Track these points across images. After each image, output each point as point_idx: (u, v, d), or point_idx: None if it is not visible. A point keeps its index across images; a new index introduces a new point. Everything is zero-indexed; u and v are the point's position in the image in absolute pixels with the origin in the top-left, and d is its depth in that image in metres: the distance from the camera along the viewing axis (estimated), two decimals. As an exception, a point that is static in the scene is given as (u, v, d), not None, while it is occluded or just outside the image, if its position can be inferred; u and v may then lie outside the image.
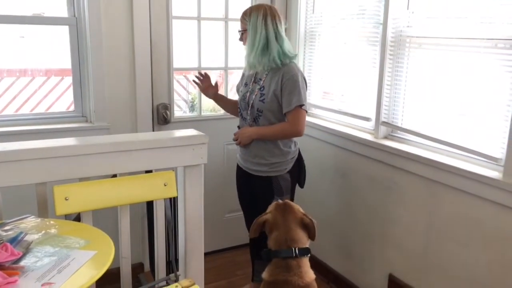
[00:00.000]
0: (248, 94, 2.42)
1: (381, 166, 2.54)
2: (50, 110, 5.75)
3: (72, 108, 2.83)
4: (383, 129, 2.59)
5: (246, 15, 2.36)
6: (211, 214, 3.12)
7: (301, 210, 1.87)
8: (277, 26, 2.32)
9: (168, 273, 2.33)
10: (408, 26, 2.41)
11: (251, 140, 2.40)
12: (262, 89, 2.36)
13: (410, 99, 2.46)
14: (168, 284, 1.92)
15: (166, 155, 2.06)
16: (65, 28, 2.65)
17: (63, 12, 2.66)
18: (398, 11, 2.44)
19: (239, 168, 2.59)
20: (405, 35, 2.42)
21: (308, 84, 3.17)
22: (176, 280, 1.93)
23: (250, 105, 2.40)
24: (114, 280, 2.10)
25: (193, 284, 1.86)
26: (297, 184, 2.53)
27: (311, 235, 1.80)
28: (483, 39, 2.03)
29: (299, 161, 2.50)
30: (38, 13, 2.72)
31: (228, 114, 2.77)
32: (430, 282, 2.33)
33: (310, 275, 1.69)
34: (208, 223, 2.79)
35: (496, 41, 2.01)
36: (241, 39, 2.44)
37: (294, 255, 1.67)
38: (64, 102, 5.94)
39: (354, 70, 2.81)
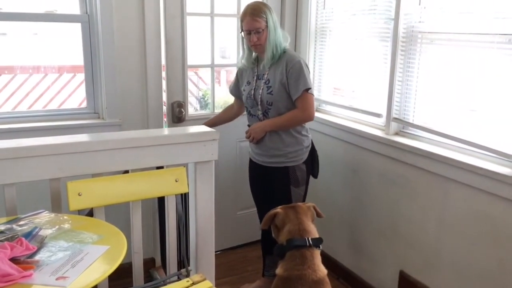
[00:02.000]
0: (253, 91, 2.44)
1: (392, 162, 2.53)
2: (63, 107, 5.81)
3: (84, 104, 2.86)
4: (394, 125, 2.58)
5: (262, 13, 2.33)
6: (223, 211, 3.13)
7: (306, 208, 1.91)
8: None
9: (179, 268, 2.36)
10: (420, 22, 2.39)
11: (264, 133, 2.41)
12: (267, 82, 2.39)
13: (422, 95, 2.44)
14: (179, 279, 1.94)
15: (177, 151, 2.08)
16: (78, 26, 2.67)
17: (76, 10, 2.68)
18: (410, 7, 2.42)
19: (252, 162, 2.60)
20: (417, 30, 2.40)
21: (319, 80, 3.17)
22: (187, 276, 1.94)
23: (258, 101, 2.42)
24: (126, 275, 2.12)
25: (204, 279, 1.88)
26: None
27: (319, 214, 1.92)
28: (496, 34, 2.01)
29: (313, 151, 2.52)
30: (50, 11, 2.75)
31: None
32: (441, 279, 2.32)
33: (322, 269, 1.70)
34: (220, 221, 2.82)
35: (509, 37, 1.98)
36: (255, 39, 2.35)
37: (308, 244, 1.69)
38: (77, 98, 6.00)
39: (365, 66, 2.80)
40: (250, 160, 2.62)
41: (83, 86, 2.81)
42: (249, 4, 2.40)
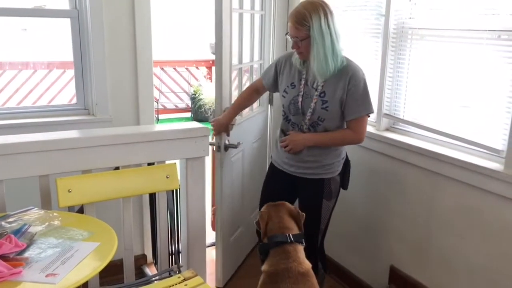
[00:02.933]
0: (300, 98, 2.15)
1: (383, 158, 2.54)
2: (52, 103, 5.78)
3: (74, 100, 2.84)
4: (385, 121, 2.59)
5: (306, 20, 2.01)
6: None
7: (291, 205, 1.91)
8: (336, 26, 2.06)
9: (170, 264, 2.35)
10: (410, 18, 2.40)
11: (304, 147, 2.17)
12: (323, 95, 2.10)
13: (412, 91, 2.45)
14: (170, 275, 1.94)
15: (168, 148, 2.07)
16: (67, 21, 2.65)
17: (65, 5, 2.65)
18: (400, 3, 2.42)
19: (276, 169, 2.33)
20: (407, 26, 2.41)
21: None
22: (179, 272, 1.94)
23: (307, 113, 2.14)
24: (117, 271, 2.12)
25: (196, 275, 1.88)
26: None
27: (299, 226, 1.88)
28: (486, 30, 2.02)
29: (346, 162, 2.32)
30: (39, 6, 2.72)
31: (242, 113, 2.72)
32: (431, 273, 2.35)
33: (307, 262, 1.73)
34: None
35: (499, 33, 2.00)
36: (296, 47, 2.09)
37: (289, 240, 1.71)
38: (66, 94, 5.96)
39: (355, 61, 2.80)
40: (273, 166, 2.36)
41: (73, 82, 2.79)
42: (298, 6, 2.09)
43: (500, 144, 2.00)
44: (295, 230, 1.80)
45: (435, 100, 2.31)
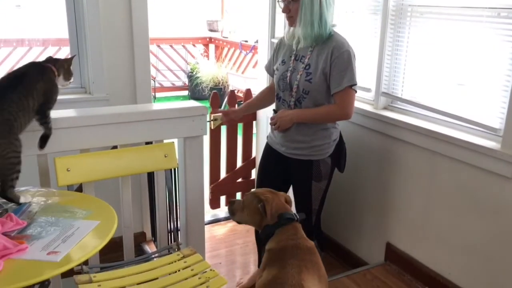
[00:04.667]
0: (289, 73, 2.15)
1: (381, 136, 2.55)
2: (49, 81, 5.72)
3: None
4: (383, 100, 2.59)
5: None
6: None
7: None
8: None
9: (169, 242, 2.38)
10: (410, -5, 2.37)
11: (292, 124, 2.14)
12: (307, 67, 2.09)
13: (411, 69, 2.44)
14: (170, 253, 1.96)
15: (166, 127, 2.07)
16: (61, -3, 2.60)
17: (59, -20, 2.61)
18: (400, -21, 2.39)
19: (271, 149, 2.33)
20: (407, 3, 2.38)
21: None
22: (178, 249, 1.97)
23: (293, 87, 2.13)
24: (117, 248, 2.14)
25: (195, 253, 1.90)
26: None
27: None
28: (485, 8, 2.01)
29: (341, 144, 2.27)
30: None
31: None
32: (427, 250, 2.38)
33: (309, 240, 1.74)
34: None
35: (499, 10, 1.99)
36: (287, 10, 2.08)
37: (296, 218, 1.73)
38: (62, 72, 5.89)
39: (355, 40, 2.77)
40: (268, 146, 2.36)
41: (69, 60, 2.76)
42: None
43: (498, 122, 2.01)
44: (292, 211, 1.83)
45: (434, 79, 2.31)
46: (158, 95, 7.55)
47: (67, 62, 1.78)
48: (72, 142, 1.88)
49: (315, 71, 2.08)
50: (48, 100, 1.70)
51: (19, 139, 1.59)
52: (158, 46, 7.76)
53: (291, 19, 2.10)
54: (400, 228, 2.52)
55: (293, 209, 2.07)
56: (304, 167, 2.21)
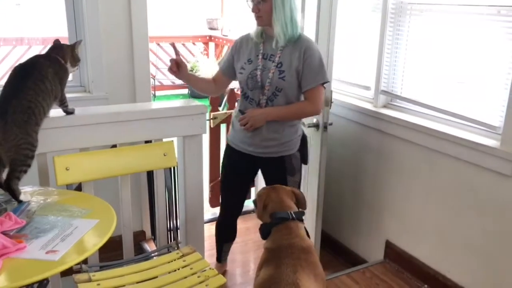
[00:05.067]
0: (259, 72, 2.14)
1: (380, 135, 2.55)
2: (48, 80, 5.72)
3: (70, 77, 2.81)
4: (382, 98, 2.59)
5: None
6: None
7: (287, 187, 1.93)
8: None
9: (169, 241, 2.38)
10: (409, -7, 2.37)
11: (265, 122, 2.15)
12: (280, 65, 2.12)
13: (410, 67, 2.44)
14: (169, 251, 1.96)
15: (166, 125, 2.07)
16: (60, -4, 2.60)
17: (58, -21, 2.60)
18: (399, -23, 2.39)
19: (234, 150, 2.31)
20: (406, 1, 2.38)
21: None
22: (177, 248, 1.97)
23: (265, 85, 2.14)
24: (116, 247, 2.14)
25: (194, 251, 1.90)
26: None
27: (302, 205, 1.89)
28: (486, 5, 2.00)
29: (304, 137, 2.33)
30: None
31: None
32: (426, 249, 2.38)
33: (308, 239, 1.75)
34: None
35: (499, 8, 1.99)
36: (256, 10, 2.10)
37: (290, 217, 1.73)
38: (62, 71, 5.89)
39: (354, 38, 2.78)
40: (230, 148, 2.32)
41: (69, 58, 2.76)
42: None
43: (497, 121, 2.01)
44: (295, 208, 1.82)
45: (433, 77, 2.31)
46: (158, 93, 7.54)
47: (72, 48, 1.82)
48: (71, 141, 1.88)
49: (288, 69, 2.11)
50: (61, 82, 1.76)
51: (36, 132, 1.63)
52: (158, 44, 7.75)
53: (260, 19, 2.12)
54: (399, 226, 2.52)
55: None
56: (277, 164, 2.24)
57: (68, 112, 1.89)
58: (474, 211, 2.12)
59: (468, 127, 2.14)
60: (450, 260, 2.26)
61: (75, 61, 1.83)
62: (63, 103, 1.85)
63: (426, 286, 2.37)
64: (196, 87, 2.40)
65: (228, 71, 2.30)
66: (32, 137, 1.60)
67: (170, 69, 2.18)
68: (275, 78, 2.12)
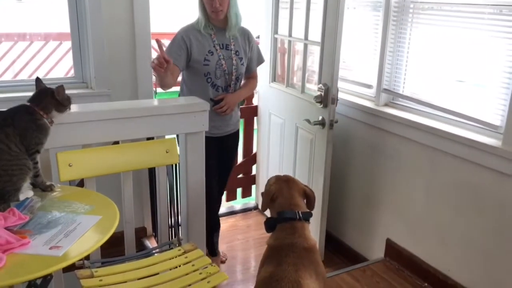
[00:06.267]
0: (223, 61, 2.37)
1: (382, 133, 2.55)
2: (49, 76, 5.71)
3: (71, 73, 2.82)
4: (384, 96, 2.59)
5: None
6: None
7: (302, 184, 1.92)
8: None
9: (170, 237, 2.39)
10: (412, -9, 2.37)
11: (236, 104, 2.53)
12: (237, 53, 2.43)
13: (412, 66, 2.44)
14: (170, 248, 1.97)
15: (168, 122, 2.07)
16: (63, -9, 2.60)
17: (61, -25, 2.60)
18: (402, -24, 2.39)
19: (211, 139, 2.41)
20: (409, 0, 2.38)
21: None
22: (179, 244, 1.98)
23: (232, 72, 2.41)
24: (118, 243, 2.15)
25: (196, 248, 1.91)
26: None
27: (310, 206, 1.87)
28: (488, 5, 2.00)
29: None
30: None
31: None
32: (426, 247, 2.39)
33: (313, 238, 1.74)
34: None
35: (501, 7, 1.99)
36: (218, 3, 2.25)
37: (298, 217, 1.72)
38: (64, 67, 5.90)
39: (357, 36, 2.78)
40: (209, 140, 2.32)
41: (70, 54, 2.76)
42: None
43: (499, 120, 2.01)
44: (304, 208, 1.81)
45: (435, 76, 2.31)
46: (159, 90, 7.53)
47: (53, 97, 1.64)
48: (73, 138, 1.89)
49: (244, 56, 2.47)
50: (28, 141, 1.56)
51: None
52: (159, 41, 7.73)
53: (221, 13, 2.31)
54: (400, 225, 2.53)
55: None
56: (235, 137, 2.65)
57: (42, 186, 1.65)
58: (475, 210, 2.12)
59: (470, 126, 2.14)
60: (450, 258, 2.27)
61: (63, 106, 1.66)
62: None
63: (426, 284, 2.38)
64: (164, 82, 2.30)
65: (184, 65, 2.39)
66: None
67: (159, 66, 2.09)
68: (238, 65, 2.44)
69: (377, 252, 2.69)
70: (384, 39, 2.51)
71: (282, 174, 1.98)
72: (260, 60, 2.63)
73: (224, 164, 2.66)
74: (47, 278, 1.46)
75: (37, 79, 1.70)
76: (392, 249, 2.58)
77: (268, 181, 1.91)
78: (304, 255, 1.64)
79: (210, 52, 2.37)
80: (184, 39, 2.34)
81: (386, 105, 2.60)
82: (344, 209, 2.91)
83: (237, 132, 2.66)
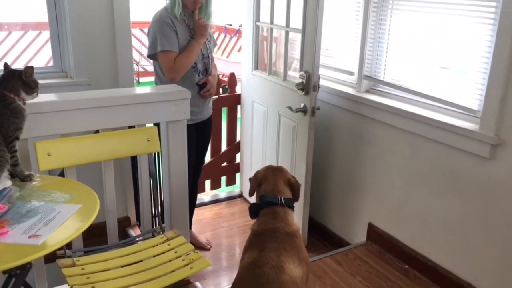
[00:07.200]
0: (206, 46, 2.53)
1: (363, 119, 2.57)
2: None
3: (51, 63, 2.77)
4: (365, 83, 2.61)
5: None
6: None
7: (289, 173, 1.94)
8: None
9: (154, 226, 2.39)
10: (392, -23, 2.38)
11: None
12: (208, 37, 2.53)
13: (393, 53, 2.46)
14: (154, 236, 1.97)
15: (149, 111, 2.06)
16: (40, -21, 2.55)
17: (37, -38, 2.55)
18: (382, -38, 2.39)
19: (194, 125, 2.49)
20: (389, -14, 2.39)
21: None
22: (162, 232, 1.98)
23: (210, 55, 2.54)
24: (101, 233, 2.14)
25: (178, 235, 1.91)
26: None
27: (295, 196, 1.89)
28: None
29: None
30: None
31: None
32: (407, 230, 2.43)
33: (295, 224, 1.76)
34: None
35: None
36: None
37: (279, 202, 1.74)
38: (43, 57, 5.80)
39: (338, 23, 2.78)
40: (191, 126, 2.41)
41: (49, 44, 2.72)
42: None
43: (476, 104, 2.04)
44: (288, 195, 1.83)
45: (415, 62, 2.33)
46: (142, 79, 7.46)
47: (20, 77, 1.60)
48: (53, 127, 1.86)
49: (210, 37, 2.55)
50: (6, 129, 1.53)
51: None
52: (141, 30, 7.65)
53: (199, 2, 2.39)
54: (381, 209, 2.57)
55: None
56: (211, 118, 2.70)
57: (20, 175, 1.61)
58: (454, 193, 2.16)
59: (449, 111, 2.17)
60: (431, 241, 2.31)
61: (30, 88, 1.62)
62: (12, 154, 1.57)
63: (407, 266, 2.42)
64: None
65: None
66: None
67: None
68: (211, 48, 2.56)
69: (359, 236, 2.72)
70: (365, 26, 2.52)
71: (266, 162, 1.99)
72: (214, 42, 2.68)
73: (203, 145, 2.72)
74: (26, 267, 1.45)
75: (5, 64, 1.66)
76: (374, 233, 2.62)
77: (257, 171, 1.93)
78: (287, 240, 1.65)
79: (192, 37, 2.41)
80: (170, 24, 2.35)
81: (367, 91, 2.62)
82: (327, 195, 2.94)
83: (212, 115, 2.72)
